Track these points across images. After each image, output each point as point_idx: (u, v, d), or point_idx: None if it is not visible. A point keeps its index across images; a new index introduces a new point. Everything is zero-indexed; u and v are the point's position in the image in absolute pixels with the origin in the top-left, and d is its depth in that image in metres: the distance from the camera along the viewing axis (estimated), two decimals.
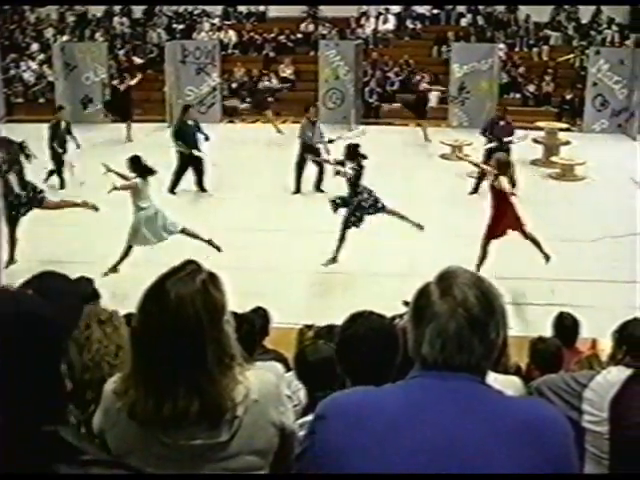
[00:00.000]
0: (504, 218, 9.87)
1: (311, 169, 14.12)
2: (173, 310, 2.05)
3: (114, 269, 9.84)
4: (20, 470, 1.28)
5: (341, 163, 10.55)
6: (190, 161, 14.10)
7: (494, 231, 9.92)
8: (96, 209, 10.66)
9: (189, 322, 2.05)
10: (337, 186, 11.46)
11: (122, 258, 9.92)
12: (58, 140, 14.18)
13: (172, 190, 14.04)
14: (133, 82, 18.98)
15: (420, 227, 10.56)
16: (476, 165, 11.46)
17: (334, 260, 10.29)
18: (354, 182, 10.35)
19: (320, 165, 13.90)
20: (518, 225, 9.96)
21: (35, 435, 1.34)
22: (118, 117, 18.58)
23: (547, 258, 10.02)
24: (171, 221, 10.06)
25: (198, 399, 2.04)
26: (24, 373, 1.36)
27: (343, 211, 10.41)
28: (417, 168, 15.51)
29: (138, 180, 9.86)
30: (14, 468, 1.28)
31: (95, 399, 2.47)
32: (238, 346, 2.17)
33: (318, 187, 14.22)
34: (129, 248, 9.94)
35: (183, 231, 10.08)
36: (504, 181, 9.69)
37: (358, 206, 10.31)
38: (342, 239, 10.30)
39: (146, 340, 2.09)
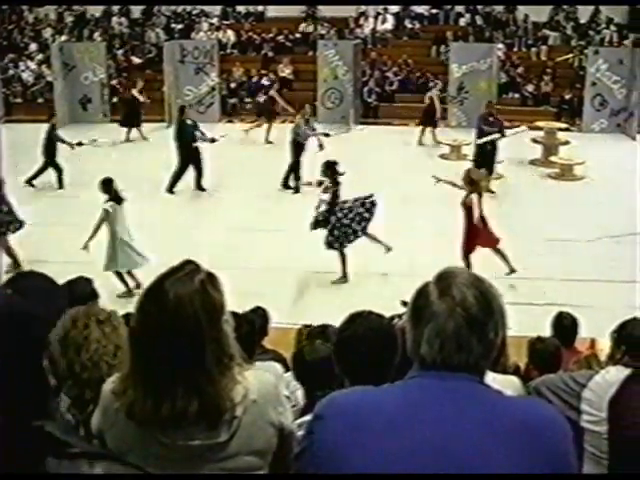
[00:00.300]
0: (478, 233, 9.81)
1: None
2: (172, 310, 2.05)
3: (129, 293, 9.47)
4: (9, 464, 1.28)
5: (321, 183, 10.39)
6: (191, 159, 14.11)
7: (470, 247, 9.85)
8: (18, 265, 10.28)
9: (188, 322, 2.05)
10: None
11: (123, 282, 9.66)
12: (55, 143, 14.24)
13: (170, 190, 14.05)
14: (141, 99, 18.92)
15: (388, 249, 10.39)
16: (453, 185, 10.71)
17: (344, 278, 10.24)
18: (331, 201, 10.24)
19: (297, 165, 14.03)
20: (490, 242, 9.92)
21: (24, 430, 1.34)
22: (127, 125, 18.54)
23: (512, 271, 9.95)
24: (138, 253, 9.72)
25: (197, 399, 2.04)
26: (13, 370, 1.36)
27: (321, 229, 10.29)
28: (416, 168, 15.50)
29: (108, 206, 9.48)
30: (3, 463, 1.28)
31: (94, 399, 2.47)
32: (237, 346, 2.17)
33: (286, 184, 14.39)
34: (118, 274, 9.67)
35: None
36: (475, 199, 9.64)
37: (335, 226, 10.15)
38: (342, 258, 10.22)
39: (145, 340, 2.09)
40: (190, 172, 14.22)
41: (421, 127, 18.19)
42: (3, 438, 1.31)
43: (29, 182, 14.06)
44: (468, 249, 9.82)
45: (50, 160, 14.21)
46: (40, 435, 1.34)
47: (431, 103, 18.45)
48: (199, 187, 14.29)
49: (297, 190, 14.22)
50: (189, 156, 14.10)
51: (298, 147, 14.28)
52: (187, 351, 2.05)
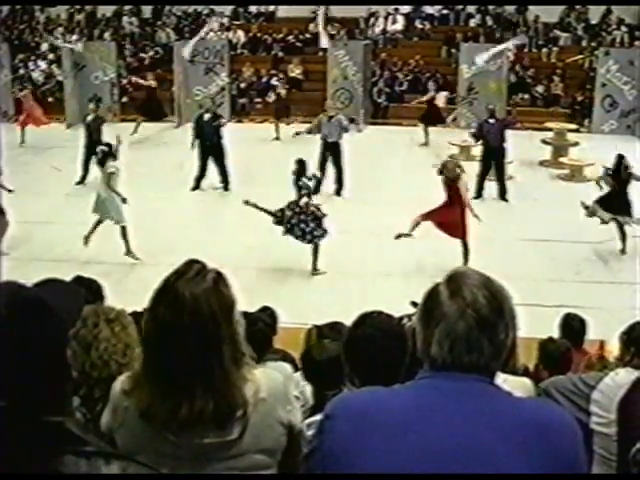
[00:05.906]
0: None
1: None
2: (189, 310, 2.05)
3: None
4: (26, 459, 1.28)
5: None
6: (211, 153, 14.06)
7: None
8: None
9: (206, 321, 2.05)
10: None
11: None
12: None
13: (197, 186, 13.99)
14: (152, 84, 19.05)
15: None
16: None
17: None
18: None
19: (339, 166, 13.80)
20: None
21: (42, 425, 1.34)
22: (149, 118, 18.68)
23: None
24: None
25: (213, 398, 2.04)
26: (33, 360, 1.36)
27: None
28: (424, 168, 15.45)
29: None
30: (20, 458, 1.28)
31: (103, 398, 2.47)
32: (247, 344, 2.17)
33: (338, 192, 13.85)
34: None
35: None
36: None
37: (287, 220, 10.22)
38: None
39: (161, 342, 2.08)
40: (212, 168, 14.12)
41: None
42: (19, 433, 1.31)
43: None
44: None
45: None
46: (59, 431, 1.34)
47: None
48: (225, 180, 14.15)
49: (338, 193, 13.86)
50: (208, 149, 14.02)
51: (326, 146, 13.83)
52: (206, 350, 2.05)
